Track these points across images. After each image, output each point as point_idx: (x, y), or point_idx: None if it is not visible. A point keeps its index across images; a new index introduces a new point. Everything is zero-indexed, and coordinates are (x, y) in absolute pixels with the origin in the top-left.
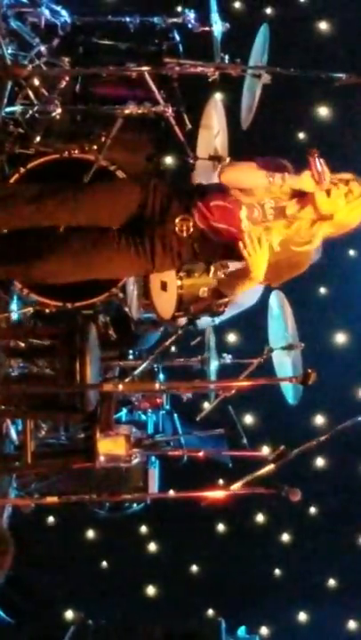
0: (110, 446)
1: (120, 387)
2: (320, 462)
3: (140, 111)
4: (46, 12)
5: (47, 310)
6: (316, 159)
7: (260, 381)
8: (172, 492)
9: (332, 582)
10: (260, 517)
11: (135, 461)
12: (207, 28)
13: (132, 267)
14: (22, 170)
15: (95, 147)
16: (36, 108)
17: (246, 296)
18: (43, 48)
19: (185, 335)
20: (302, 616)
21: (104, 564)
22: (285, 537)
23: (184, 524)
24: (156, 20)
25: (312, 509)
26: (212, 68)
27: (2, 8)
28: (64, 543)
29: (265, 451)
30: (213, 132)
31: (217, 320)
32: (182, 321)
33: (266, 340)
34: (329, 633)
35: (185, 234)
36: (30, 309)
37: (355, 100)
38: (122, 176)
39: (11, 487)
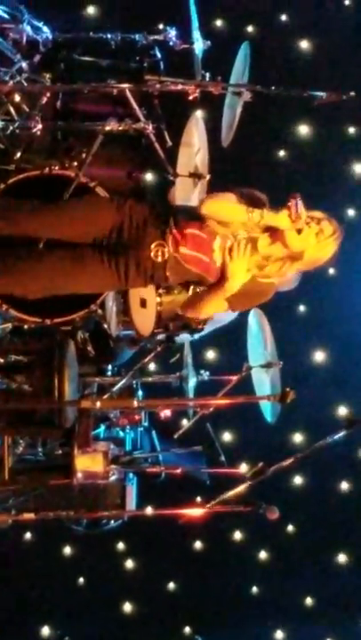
0: (88, 463)
1: (98, 404)
2: (298, 480)
3: (120, 128)
4: (28, 29)
5: (26, 326)
6: (298, 202)
7: (238, 400)
8: (149, 509)
9: (309, 601)
10: (237, 535)
11: (113, 478)
12: (188, 46)
13: (105, 283)
14: (2, 185)
15: (76, 163)
16: (16, 124)
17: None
18: (24, 64)
19: (164, 352)
20: (279, 634)
21: (81, 580)
22: (263, 555)
23: (161, 541)
24: (137, 37)
25: (290, 527)
26: (193, 86)
27: None
28: (41, 559)
29: (243, 468)
30: (194, 149)
31: (196, 335)
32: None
33: (245, 358)
34: None
35: (160, 259)
36: (9, 325)
37: (335, 118)
38: (102, 193)
39: None
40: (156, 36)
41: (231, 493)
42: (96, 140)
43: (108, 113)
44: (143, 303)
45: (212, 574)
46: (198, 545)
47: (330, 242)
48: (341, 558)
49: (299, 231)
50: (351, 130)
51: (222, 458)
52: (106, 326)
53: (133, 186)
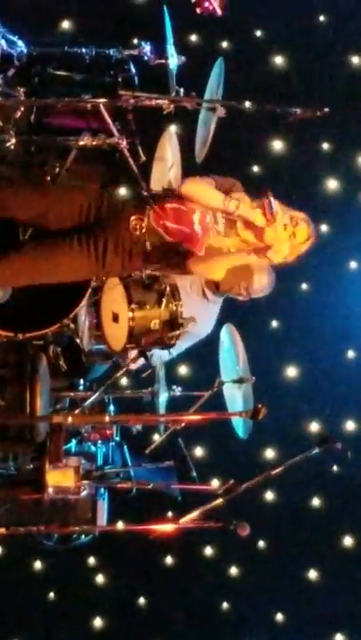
0: (59, 478)
1: (70, 419)
2: (269, 496)
3: (94, 142)
4: (2, 42)
5: None
6: (270, 200)
7: (210, 416)
8: (120, 525)
9: (280, 617)
10: (208, 550)
11: (84, 493)
12: (163, 61)
13: (82, 268)
14: None
15: (49, 177)
16: None
17: (201, 326)
18: None
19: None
20: None
21: (51, 595)
22: (234, 570)
23: (132, 557)
24: (112, 51)
25: (261, 543)
26: (167, 101)
27: None
28: (11, 574)
29: (214, 484)
30: (167, 164)
31: (174, 353)
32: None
33: (217, 373)
34: None
35: (138, 232)
36: None
37: (309, 134)
38: None
39: None
40: (131, 51)
41: (202, 509)
42: (70, 154)
43: (82, 127)
44: (115, 318)
45: (183, 590)
46: (169, 560)
47: (300, 247)
48: (312, 574)
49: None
50: (325, 146)
51: (194, 473)
52: (78, 341)
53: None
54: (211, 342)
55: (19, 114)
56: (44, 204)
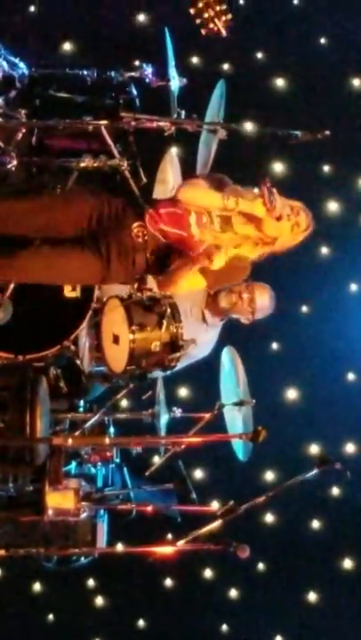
0: (59, 500)
1: (70, 441)
2: (269, 518)
3: (95, 164)
4: (4, 64)
5: None
6: (268, 188)
7: (210, 438)
8: (120, 547)
9: (279, 639)
10: (207, 572)
11: (84, 515)
12: (164, 83)
13: (89, 272)
14: None
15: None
16: None
17: (199, 349)
18: None
19: (136, 388)
20: None
21: (50, 617)
22: (233, 592)
23: (131, 579)
24: (113, 73)
25: (260, 565)
26: (168, 123)
27: None
28: (10, 596)
29: (214, 506)
30: (168, 186)
31: (168, 371)
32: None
33: (217, 396)
34: None
35: (141, 239)
36: None
37: (309, 156)
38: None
39: None
40: (132, 73)
41: (202, 531)
42: (71, 176)
43: (83, 149)
44: (116, 339)
45: (183, 612)
46: (168, 582)
47: (302, 234)
48: (312, 597)
49: (277, 219)
50: (326, 168)
51: (193, 495)
52: (78, 362)
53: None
54: (211, 364)
55: (20, 135)
56: (46, 215)
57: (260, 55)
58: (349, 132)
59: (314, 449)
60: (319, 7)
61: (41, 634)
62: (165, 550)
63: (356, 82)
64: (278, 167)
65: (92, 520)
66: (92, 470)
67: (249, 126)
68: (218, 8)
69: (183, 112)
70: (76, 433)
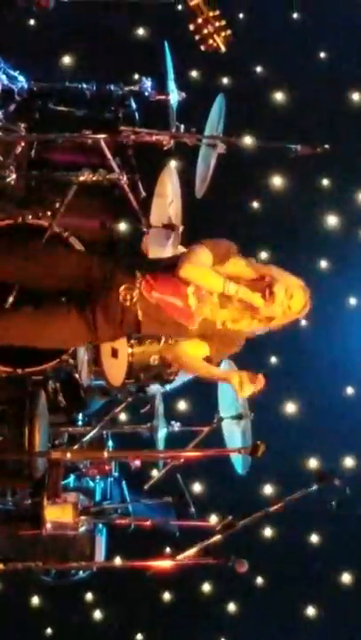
0: (57, 513)
1: (68, 455)
2: (268, 532)
3: (94, 178)
4: (3, 77)
5: None
6: (270, 292)
7: (208, 452)
8: (118, 561)
9: None
10: (206, 587)
11: (82, 529)
12: (164, 97)
13: (74, 335)
14: None
15: (49, 213)
16: None
17: None
18: None
19: (134, 402)
20: None
21: (49, 631)
22: (232, 607)
23: (130, 593)
24: (112, 87)
25: (259, 579)
26: (167, 137)
27: None
28: (8, 609)
29: (213, 520)
30: (167, 200)
31: (168, 387)
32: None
33: (216, 409)
34: None
35: (128, 302)
36: None
37: (309, 170)
38: (76, 243)
39: None
40: (132, 87)
41: (200, 546)
42: (70, 189)
43: (83, 163)
44: (114, 353)
45: (181, 626)
46: (167, 596)
47: (295, 315)
48: (311, 611)
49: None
50: (325, 182)
51: (192, 509)
52: (77, 376)
53: (106, 236)
54: None
55: (19, 149)
56: (32, 271)
57: (259, 69)
58: (349, 146)
59: (313, 463)
60: (318, 21)
61: None
62: (164, 564)
63: (355, 96)
64: (277, 181)
65: (90, 534)
66: (91, 484)
67: (248, 140)
68: (217, 24)
69: (182, 126)
70: (75, 447)
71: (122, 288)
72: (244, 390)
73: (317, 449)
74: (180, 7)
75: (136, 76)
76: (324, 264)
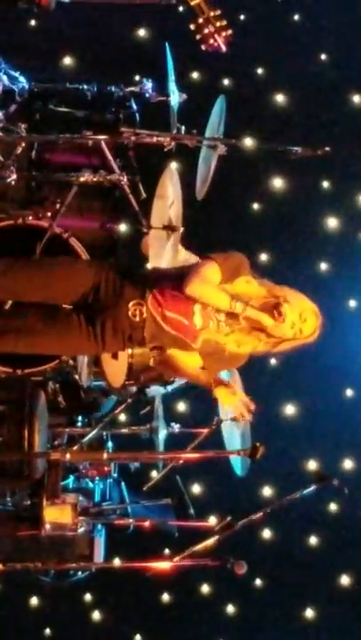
0: (56, 514)
1: (68, 455)
2: (267, 534)
3: (95, 179)
4: (4, 78)
5: None
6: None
7: (208, 454)
8: (117, 561)
9: None
10: (204, 588)
11: (81, 530)
12: (164, 98)
13: (82, 347)
14: None
15: (49, 214)
16: None
17: None
18: None
19: (134, 404)
20: None
21: (47, 631)
22: (230, 608)
23: (129, 594)
24: (113, 88)
25: (258, 581)
26: (168, 138)
27: None
28: (7, 610)
29: (212, 521)
30: (168, 201)
31: (169, 388)
32: (132, 389)
33: (215, 411)
34: None
35: (137, 318)
36: None
37: (309, 172)
38: (76, 245)
39: None
40: (133, 88)
41: (199, 547)
42: (70, 190)
43: (83, 164)
44: (115, 354)
45: (179, 627)
46: (166, 597)
47: (303, 340)
48: (309, 613)
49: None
50: (325, 184)
51: (191, 510)
52: (77, 377)
53: (107, 237)
54: None
55: (20, 150)
56: (43, 286)
57: (260, 71)
58: (349, 148)
59: (312, 464)
60: (319, 23)
61: None
62: (163, 565)
63: (356, 98)
64: (278, 183)
65: (89, 535)
66: (90, 485)
67: (249, 142)
68: (218, 24)
69: (183, 127)
70: (74, 448)
71: (131, 304)
72: (226, 405)
73: (316, 450)
74: (181, 8)
75: (137, 78)
76: (324, 266)
